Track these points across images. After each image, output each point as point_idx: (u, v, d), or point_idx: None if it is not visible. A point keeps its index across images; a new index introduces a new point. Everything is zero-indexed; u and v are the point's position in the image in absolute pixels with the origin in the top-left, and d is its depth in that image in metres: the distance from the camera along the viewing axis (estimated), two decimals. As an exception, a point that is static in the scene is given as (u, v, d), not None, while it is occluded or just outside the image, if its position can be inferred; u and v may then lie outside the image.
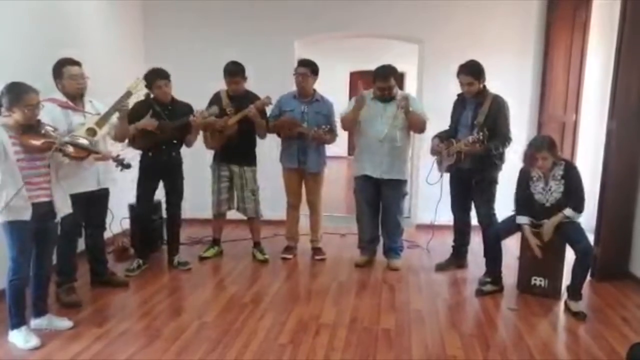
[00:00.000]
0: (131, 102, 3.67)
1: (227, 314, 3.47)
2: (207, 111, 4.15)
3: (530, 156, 3.60)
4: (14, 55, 3.66)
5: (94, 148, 3.22)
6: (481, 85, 3.94)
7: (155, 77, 4.04)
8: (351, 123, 4.30)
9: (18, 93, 2.78)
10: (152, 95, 4.06)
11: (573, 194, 3.58)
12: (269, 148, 4.71)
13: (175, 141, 4.19)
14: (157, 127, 3.98)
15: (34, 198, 2.89)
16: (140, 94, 3.80)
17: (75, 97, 3.46)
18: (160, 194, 4.44)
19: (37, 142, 2.82)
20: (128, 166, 3.42)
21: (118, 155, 3.39)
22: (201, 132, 4.37)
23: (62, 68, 3.42)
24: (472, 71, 3.89)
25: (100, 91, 3.70)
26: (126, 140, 3.88)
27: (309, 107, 4.40)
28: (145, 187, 4.25)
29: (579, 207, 3.57)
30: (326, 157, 4.63)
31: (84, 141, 3.17)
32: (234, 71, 4.30)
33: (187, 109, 4.19)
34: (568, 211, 3.56)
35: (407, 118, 4.13)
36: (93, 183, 3.60)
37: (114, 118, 3.53)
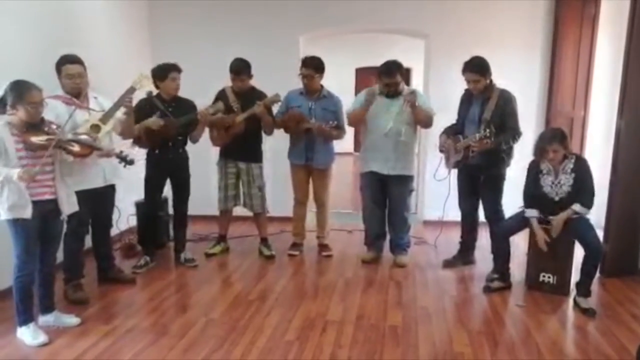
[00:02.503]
0: (135, 98, 3.67)
1: (234, 310, 3.47)
2: (212, 107, 4.15)
3: (541, 149, 3.57)
4: (21, 54, 3.68)
5: (96, 144, 3.20)
6: (487, 81, 3.91)
7: (172, 68, 4.05)
8: (359, 119, 4.28)
9: (21, 91, 2.78)
10: (154, 93, 4.04)
11: (582, 188, 3.54)
12: (275, 144, 4.70)
13: (180, 138, 4.19)
14: (163, 125, 3.97)
15: (37, 196, 2.89)
16: (144, 89, 3.79)
17: (73, 95, 3.45)
18: (166, 191, 4.44)
19: (39, 140, 2.81)
20: (131, 162, 3.41)
21: (121, 152, 3.39)
22: (207, 129, 4.37)
23: (62, 66, 3.41)
24: (477, 68, 3.86)
25: (107, 88, 3.70)
26: (131, 140, 3.87)
27: (316, 104, 4.38)
28: (153, 184, 4.25)
29: (588, 202, 3.54)
30: (334, 153, 4.62)
31: (86, 138, 3.16)
32: (240, 68, 4.29)
33: (191, 105, 4.19)
34: (577, 206, 3.53)
35: (413, 112, 4.11)
36: (99, 180, 3.61)
37: (119, 114, 3.53)
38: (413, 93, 4.07)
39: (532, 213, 3.68)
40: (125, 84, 3.56)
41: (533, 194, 3.70)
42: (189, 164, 4.33)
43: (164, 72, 4.03)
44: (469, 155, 3.93)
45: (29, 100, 2.78)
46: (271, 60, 5.18)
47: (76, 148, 2.99)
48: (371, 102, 4.12)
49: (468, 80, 3.92)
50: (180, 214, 4.41)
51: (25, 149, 2.84)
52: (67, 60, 3.42)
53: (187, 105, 4.18)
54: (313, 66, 4.32)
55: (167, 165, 4.19)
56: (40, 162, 2.83)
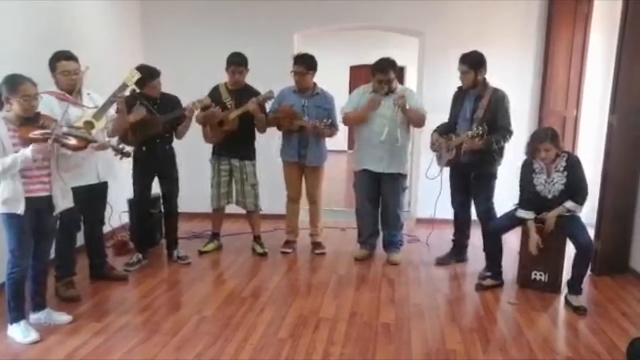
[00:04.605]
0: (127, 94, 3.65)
1: (227, 308, 3.47)
2: (199, 102, 4.12)
3: (533, 148, 3.59)
4: (14, 52, 3.65)
5: (91, 137, 3.18)
6: (479, 77, 3.92)
7: (150, 77, 3.98)
8: (358, 122, 4.30)
9: (14, 84, 2.78)
10: (137, 90, 4.00)
11: (575, 186, 3.56)
12: (268, 142, 4.69)
13: (167, 134, 4.18)
14: (149, 121, 3.94)
15: (32, 192, 2.88)
16: (135, 86, 3.77)
17: (67, 91, 3.43)
18: (157, 188, 4.42)
19: (34, 134, 2.80)
20: (128, 154, 3.40)
21: (118, 144, 3.37)
22: (200, 126, 4.36)
23: (57, 62, 3.39)
24: (467, 60, 3.90)
25: (99, 86, 3.67)
26: (116, 138, 3.83)
27: (309, 101, 4.38)
28: (141, 182, 4.23)
29: (580, 199, 3.55)
30: (327, 151, 4.61)
31: (81, 131, 3.14)
32: (238, 61, 4.27)
33: (175, 101, 4.17)
34: (569, 203, 3.55)
35: (404, 115, 4.12)
36: (93, 177, 3.59)
37: (111, 111, 3.51)
38: (402, 97, 4.07)
39: (528, 215, 3.69)
40: (117, 81, 3.54)
41: (529, 194, 3.70)
42: (176, 160, 4.31)
43: (143, 81, 3.89)
44: (461, 154, 3.95)
45: (22, 93, 2.77)
46: (265, 57, 5.15)
47: (72, 142, 2.98)
48: (374, 108, 4.13)
49: (459, 71, 3.96)
50: (171, 211, 4.40)
51: (21, 143, 2.82)
52: (62, 57, 3.40)
53: (172, 101, 4.16)
54: (304, 64, 4.31)
55: (154, 162, 4.17)
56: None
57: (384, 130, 4.08)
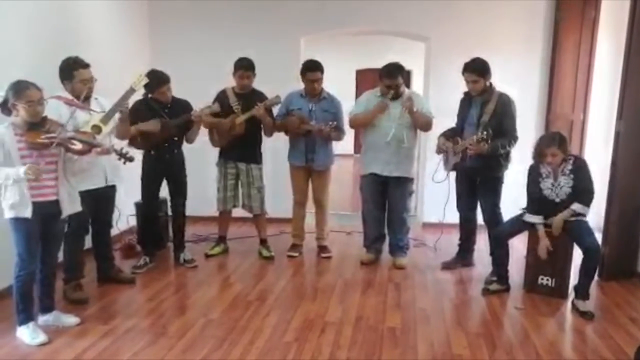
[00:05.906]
0: (133, 98, 3.67)
1: (233, 311, 3.48)
2: (207, 108, 4.15)
3: (539, 152, 3.58)
4: (20, 55, 3.69)
5: (95, 142, 3.20)
6: (487, 83, 3.92)
7: (158, 84, 4.02)
8: (365, 124, 4.31)
9: (19, 89, 2.81)
10: (150, 95, 4.05)
11: (582, 188, 3.55)
12: (274, 145, 4.71)
13: (176, 138, 4.20)
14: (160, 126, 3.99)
15: (39, 196, 2.91)
16: (142, 90, 3.79)
17: (84, 98, 3.46)
18: (164, 191, 4.45)
19: (40, 139, 2.83)
20: (131, 159, 3.42)
21: (122, 149, 3.40)
22: (207, 130, 4.38)
23: (74, 71, 3.41)
24: (476, 69, 3.88)
25: (106, 90, 3.70)
26: (126, 141, 3.88)
27: (316, 105, 4.39)
28: (149, 185, 4.26)
29: (587, 201, 3.54)
30: (334, 155, 4.62)
31: (86, 136, 3.17)
32: (247, 65, 4.30)
33: (186, 106, 4.20)
34: (576, 205, 3.54)
35: (412, 118, 4.12)
36: (101, 180, 3.62)
37: (117, 116, 3.54)
38: (410, 99, 4.08)
39: (537, 219, 3.68)
40: (123, 81, 3.56)
41: (537, 199, 3.69)
42: (185, 164, 4.34)
43: (153, 86, 4.00)
44: (467, 158, 3.94)
45: (27, 99, 2.80)
46: (272, 61, 5.18)
47: (77, 146, 3.00)
48: (382, 111, 4.14)
49: (467, 81, 3.95)
50: (178, 214, 4.42)
51: (27, 148, 2.85)
52: (79, 65, 3.43)
53: (183, 106, 4.18)
54: (320, 69, 4.34)
55: (163, 166, 4.20)
56: (44, 161, 2.85)
57: (390, 132, 4.09)
